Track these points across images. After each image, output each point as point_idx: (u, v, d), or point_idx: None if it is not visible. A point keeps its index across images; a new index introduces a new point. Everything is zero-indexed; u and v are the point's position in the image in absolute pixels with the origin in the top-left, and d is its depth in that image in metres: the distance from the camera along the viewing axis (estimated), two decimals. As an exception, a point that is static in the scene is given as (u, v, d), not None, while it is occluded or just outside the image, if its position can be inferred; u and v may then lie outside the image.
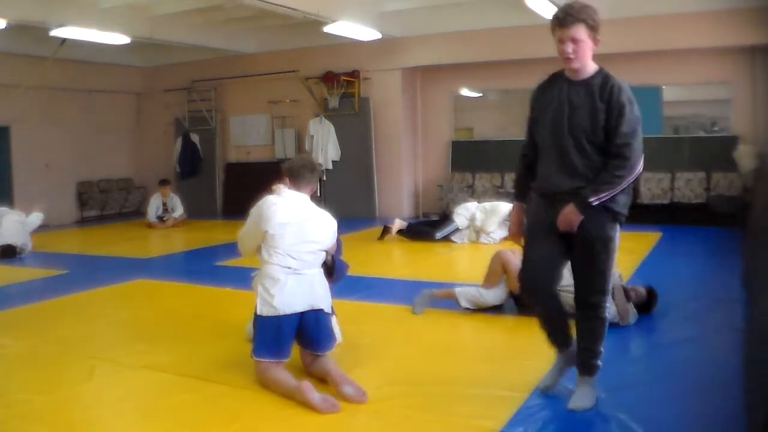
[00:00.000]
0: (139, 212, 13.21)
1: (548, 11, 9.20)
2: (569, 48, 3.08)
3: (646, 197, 10.31)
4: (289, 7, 8.76)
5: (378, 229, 9.37)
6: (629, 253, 7.20)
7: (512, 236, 3.47)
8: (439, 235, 8.77)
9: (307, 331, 3.67)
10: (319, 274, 3.81)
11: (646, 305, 4.80)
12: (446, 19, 10.74)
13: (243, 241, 3.85)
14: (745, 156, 9.51)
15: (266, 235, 3.65)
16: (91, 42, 10.08)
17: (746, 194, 9.02)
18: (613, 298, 4.58)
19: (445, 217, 9.23)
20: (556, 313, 3.26)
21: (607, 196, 2.99)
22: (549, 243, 3.15)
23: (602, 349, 3.23)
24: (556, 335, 3.33)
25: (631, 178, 3.01)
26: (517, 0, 8.66)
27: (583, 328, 3.22)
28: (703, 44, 9.68)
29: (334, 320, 4.11)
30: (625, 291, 4.70)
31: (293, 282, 3.62)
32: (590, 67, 3.16)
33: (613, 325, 4.54)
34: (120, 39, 10.10)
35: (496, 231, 8.64)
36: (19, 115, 11.82)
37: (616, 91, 3.04)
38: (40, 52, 10.64)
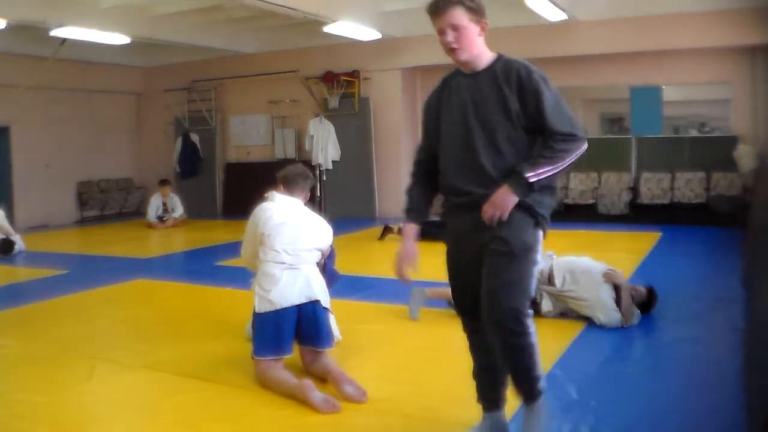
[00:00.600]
0: (139, 212, 13.21)
1: (548, 11, 9.22)
2: (449, 37, 2.65)
3: (646, 197, 10.31)
4: (289, 7, 8.76)
5: (378, 229, 9.37)
6: (629, 253, 7.20)
7: (397, 269, 2.82)
8: (439, 234, 8.76)
9: (305, 326, 3.67)
10: (315, 269, 3.83)
11: (646, 305, 4.80)
12: (446, 19, 10.72)
13: (245, 250, 3.92)
14: (745, 156, 9.51)
15: (262, 237, 3.71)
16: (91, 42, 10.08)
17: (746, 194, 9.02)
18: (618, 299, 4.59)
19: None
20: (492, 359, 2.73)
21: (546, 173, 2.50)
22: (477, 264, 2.66)
23: (540, 373, 2.64)
24: (487, 385, 2.84)
25: (574, 155, 2.53)
26: (517, 0, 8.66)
27: (506, 357, 2.61)
28: (703, 44, 9.68)
29: (332, 319, 4.11)
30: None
31: (288, 276, 3.65)
32: (486, 56, 2.71)
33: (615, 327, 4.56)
34: (120, 39, 10.10)
35: None
36: (19, 115, 11.82)
37: (525, 75, 2.60)
38: (40, 52, 10.64)
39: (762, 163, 8.38)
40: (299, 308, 3.64)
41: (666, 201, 10.18)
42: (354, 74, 11.92)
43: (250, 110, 13.16)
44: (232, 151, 13.57)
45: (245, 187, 11.22)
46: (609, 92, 11.70)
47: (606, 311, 4.57)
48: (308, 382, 3.36)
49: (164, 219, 11.55)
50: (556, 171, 2.52)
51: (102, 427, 3.31)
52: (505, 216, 2.52)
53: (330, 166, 12.07)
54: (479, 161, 2.59)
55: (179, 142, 13.49)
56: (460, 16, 2.61)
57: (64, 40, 9.81)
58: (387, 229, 9.10)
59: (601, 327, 4.55)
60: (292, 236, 3.71)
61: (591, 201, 10.58)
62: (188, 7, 9.85)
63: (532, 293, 2.61)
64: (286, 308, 3.60)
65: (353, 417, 3.24)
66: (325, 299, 3.80)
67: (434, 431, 3.08)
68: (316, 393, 3.30)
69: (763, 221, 5.00)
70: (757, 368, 2.78)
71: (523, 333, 2.54)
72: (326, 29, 9.81)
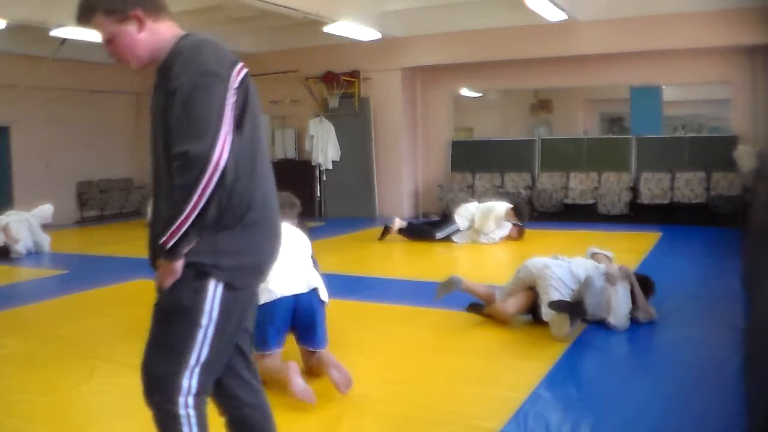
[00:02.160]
0: (139, 212, 13.20)
1: (548, 11, 9.22)
2: (108, 49, 2.08)
3: (646, 197, 10.31)
4: (289, 7, 8.75)
5: (378, 229, 9.37)
6: (629, 253, 7.20)
7: None
8: (439, 235, 8.77)
9: (301, 318, 3.63)
10: (311, 264, 3.85)
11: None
12: (446, 19, 10.74)
13: None
14: (745, 156, 9.51)
15: None
16: (91, 42, 10.06)
17: (746, 194, 9.02)
18: (634, 298, 4.59)
19: (447, 218, 9.23)
20: None
21: (179, 230, 1.83)
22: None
23: None
24: None
25: (202, 189, 1.81)
26: (517, 0, 8.66)
27: None
28: (703, 44, 9.68)
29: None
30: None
31: (282, 266, 3.60)
32: (163, 50, 2.04)
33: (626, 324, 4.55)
34: (120, 39, 10.08)
35: (495, 231, 8.65)
36: (19, 115, 11.82)
37: (174, 62, 1.92)
38: (40, 52, 10.63)
39: (762, 163, 8.38)
40: (297, 299, 3.60)
41: (666, 201, 10.18)
42: (354, 74, 11.92)
43: (250, 110, 13.14)
44: (232, 151, 13.56)
45: (245, 187, 11.22)
46: (609, 92, 11.72)
47: (618, 315, 4.54)
48: (293, 364, 3.38)
49: (164, 219, 11.54)
50: (188, 221, 1.82)
51: (102, 427, 3.31)
52: (167, 285, 1.93)
53: (330, 166, 12.07)
54: (158, 195, 2.01)
55: (179, 142, 13.47)
56: (101, 25, 2.03)
57: (64, 40, 9.81)
58: (387, 229, 9.10)
59: (600, 326, 4.54)
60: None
61: (591, 201, 10.58)
62: (188, 7, 9.84)
63: (193, 362, 1.97)
64: (286, 296, 3.56)
65: (353, 417, 3.24)
66: (324, 292, 3.77)
67: (434, 431, 3.08)
68: (299, 377, 3.31)
69: (763, 221, 5.00)
70: (757, 368, 2.78)
71: (167, 410, 1.99)
72: (326, 29, 9.81)
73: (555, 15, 9.41)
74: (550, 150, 11.37)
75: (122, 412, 3.42)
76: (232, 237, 1.94)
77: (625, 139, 10.99)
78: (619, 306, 4.51)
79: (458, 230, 8.81)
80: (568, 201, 10.74)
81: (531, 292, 4.62)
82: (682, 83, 10.92)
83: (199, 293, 1.93)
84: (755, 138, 9.62)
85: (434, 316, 5.05)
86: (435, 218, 10.37)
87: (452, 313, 5.05)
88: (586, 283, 4.48)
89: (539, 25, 10.00)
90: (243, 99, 1.96)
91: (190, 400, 1.99)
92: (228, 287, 1.96)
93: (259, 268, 2.06)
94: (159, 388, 1.99)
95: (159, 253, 1.90)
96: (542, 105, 12.85)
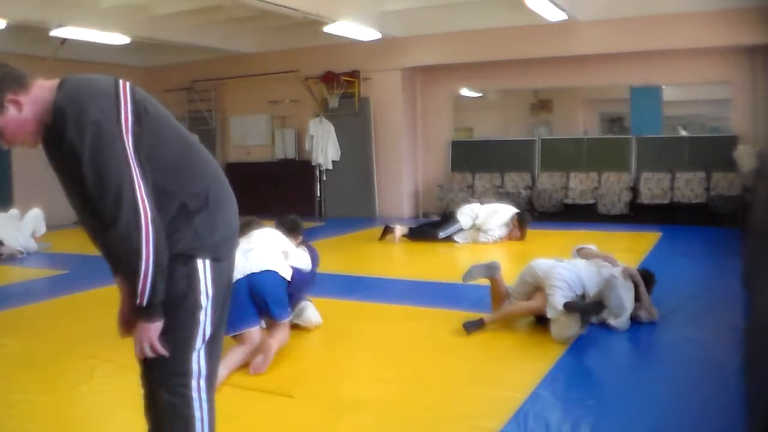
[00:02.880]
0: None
1: (548, 11, 9.22)
2: (4, 142, 2.01)
3: (646, 197, 10.31)
4: (289, 7, 8.76)
5: (378, 229, 9.36)
6: (629, 253, 7.20)
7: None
8: (442, 234, 8.77)
9: (256, 295, 3.89)
10: (271, 250, 4.07)
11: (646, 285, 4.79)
12: (446, 19, 10.74)
13: None
14: (745, 156, 9.51)
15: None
16: (91, 42, 10.08)
17: (746, 194, 9.02)
18: (638, 297, 4.59)
19: (448, 217, 9.22)
20: None
21: (149, 286, 1.89)
22: None
23: None
24: None
25: (145, 244, 1.86)
26: (517, 0, 8.66)
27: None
28: (703, 44, 9.68)
29: (311, 306, 4.66)
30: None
31: (240, 255, 3.80)
32: (47, 111, 1.91)
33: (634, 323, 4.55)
34: (120, 39, 10.10)
35: (494, 230, 8.65)
36: (19, 115, 11.80)
37: (63, 129, 1.86)
38: (40, 52, 10.63)
39: (762, 163, 8.38)
40: (248, 280, 3.85)
41: (666, 201, 10.18)
42: (354, 74, 11.92)
43: (250, 110, 13.16)
44: (232, 151, 13.57)
45: (245, 187, 11.16)
46: (609, 92, 11.71)
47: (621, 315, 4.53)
48: (234, 355, 3.77)
49: (164, 219, 11.54)
50: (151, 279, 1.88)
51: (102, 427, 3.31)
52: (156, 343, 1.98)
53: (330, 166, 12.07)
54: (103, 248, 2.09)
55: (179, 142, 13.48)
56: None
57: (64, 40, 9.81)
58: (387, 229, 9.10)
59: (600, 327, 4.55)
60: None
61: (591, 201, 10.58)
62: (188, 7, 9.85)
63: (199, 343, 2.05)
64: (237, 279, 3.72)
65: (353, 417, 3.24)
66: (279, 268, 4.00)
67: (434, 431, 3.08)
68: (222, 369, 3.51)
69: (763, 221, 5.00)
70: (757, 368, 2.78)
71: (181, 394, 2.05)
72: (326, 29, 9.81)
73: (555, 15, 9.42)
74: (550, 150, 11.37)
75: (122, 412, 3.42)
76: (206, 217, 2.04)
77: (625, 139, 10.98)
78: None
79: (461, 229, 8.81)
80: (568, 201, 10.73)
81: (542, 292, 4.52)
82: (682, 83, 10.92)
83: (192, 277, 2.01)
84: (755, 138, 9.62)
85: (434, 316, 5.05)
86: (435, 218, 10.36)
87: (452, 313, 5.05)
88: (609, 283, 4.41)
89: (539, 25, 10.00)
90: (142, 110, 1.97)
91: (203, 383, 2.07)
92: (214, 260, 2.05)
93: (233, 237, 2.18)
94: (173, 373, 2.04)
95: (137, 317, 1.95)
96: (542, 105, 12.83)
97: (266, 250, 4.06)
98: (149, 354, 1.99)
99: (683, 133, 11.11)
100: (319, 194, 12.25)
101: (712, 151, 10.22)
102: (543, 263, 4.59)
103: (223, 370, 3.49)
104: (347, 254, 8.33)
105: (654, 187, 10.36)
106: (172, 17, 10.20)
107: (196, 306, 2.02)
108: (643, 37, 9.77)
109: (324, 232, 10.07)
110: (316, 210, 12.23)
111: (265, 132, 13.12)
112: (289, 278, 4.05)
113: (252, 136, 13.28)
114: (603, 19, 9.97)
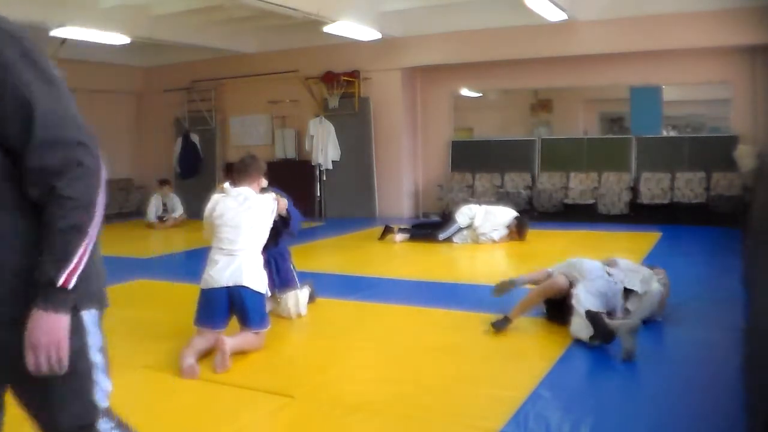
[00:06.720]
0: (139, 212, 13.20)
1: (548, 11, 9.22)
2: None
3: (646, 197, 10.31)
4: (289, 7, 8.76)
5: (378, 229, 9.37)
6: (629, 253, 7.19)
7: None
8: (442, 236, 8.76)
9: (235, 306, 4.11)
10: (252, 257, 4.22)
11: None
12: (446, 19, 10.74)
13: (205, 234, 4.50)
14: (745, 156, 9.51)
15: (212, 226, 4.28)
16: (91, 42, 10.08)
17: (746, 194, 9.02)
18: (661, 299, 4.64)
19: (448, 218, 9.22)
20: None
21: (81, 263, 1.52)
22: None
23: None
24: None
25: (96, 215, 1.55)
26: (517, 0, 8.66)
27: None
28: (703, 44, 9.68)
29: (302, 295, 4.92)
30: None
31: (224, 261, 4.12)
32: None
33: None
34: (120, 39, 10.10)
35: (491, 232, 8.65)
36: (19, 115, 11.80)
37: None
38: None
39: (762, 163, 8.39)
40: (228, 290, 4.07)
41: (666, 201, 10.18)
42: (354, 74, 11.92)
43: (250, 110, 13.16)
44: (232, 151, 13.54)
45: (245, 187, 11.21)
46: (609, 92, 11.70)
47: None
48: (197, 340, 3.97)
49: (164, 219, 11.55)
50: (88, 248, 1.53)
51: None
52: (65, 353, 1.55)
53: (330, 166, 12.07)
54: None
55: (179, 142, 13.49)
56: None
57: (64, 40, 9.81)
58: (387, 229, 9.10)
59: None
60: (232, 226, 4.19)
61: (591, 201, 10.58)
62: (188, 7, 9.85)
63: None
64: (215, 288, 4.07)
65: (353, 417, 3.23)
66: (258, 284, 4.17)
67: (434, 431, 3.08)
68: (190, 357, 3.79)
69: (763, 221, 5.00)
70: (757, 368, 2.78)
71: None
72: (326, 29, 9.81)
73: (555, 15, 9.42)
74: (550, 150, 11.37)
75: (122, 412, 3.42)
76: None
77: (625, 139, 10.98)
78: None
79: (460, 229, 8.80)
80: (568, 201, 10.73)
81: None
82: (682, 83, 10.91)
83: (79, 331, 1.60)
84: (755, 138, 9.63)
85: (434, 316, 5.05)
86: (435, 218, 10.36)
87: (452, 313, 5.05)
88: (649, 294, 4.58)
89: (539, 25, 10.00)
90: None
91: (111, 414, 1.86)
92: (100, 309, 1.68)
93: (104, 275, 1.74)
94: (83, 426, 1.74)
95: (42, 301, 1.48)
96: (542, 105, 12.83)
97: (250, 256, 4.20)
98: (54, 366, 1.54)
99: (672, 133, 11.14)
100: (319, 194, 12.25)
101: (712, 151, 10.22)
102: (592, 266, 4.60)
103: (190, 359, 3.80)
104: (347, 254, 8.33)
105: (654, 187, 10.36)
106: (173, 17, 10.20)
107: (89, 363, 1.71)
108: (643, 37, 9.77)
109: (324, 232, 10.07)
110: (316, 210, 12.23)
111: (265, 132, 13.13)
112: (264, 290, 4.25)
113: (252, 136, 13.28)
114: (603, 19, 9.97)
